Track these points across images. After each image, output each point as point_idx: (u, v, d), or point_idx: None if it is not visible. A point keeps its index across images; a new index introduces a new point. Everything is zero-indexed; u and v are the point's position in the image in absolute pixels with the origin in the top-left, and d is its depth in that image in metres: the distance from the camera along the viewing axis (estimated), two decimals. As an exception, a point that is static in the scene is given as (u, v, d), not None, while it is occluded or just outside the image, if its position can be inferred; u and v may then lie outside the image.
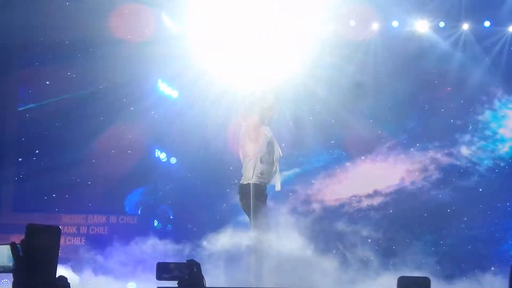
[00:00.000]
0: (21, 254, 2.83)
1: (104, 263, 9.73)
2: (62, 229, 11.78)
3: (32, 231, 2.88)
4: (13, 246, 2.86)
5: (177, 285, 4.06)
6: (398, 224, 13.06)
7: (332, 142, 13.45)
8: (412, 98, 13.46)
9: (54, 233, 2.93)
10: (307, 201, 13.12)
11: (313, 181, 13.29)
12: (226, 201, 12.72)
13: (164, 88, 13.11)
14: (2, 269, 3.06)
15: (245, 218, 9.76)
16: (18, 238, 11.12)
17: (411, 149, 13.44)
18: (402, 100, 13.40)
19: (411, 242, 12.86)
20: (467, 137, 13.46)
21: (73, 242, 12.53)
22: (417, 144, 13.46)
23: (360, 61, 13.37)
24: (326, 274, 9.85)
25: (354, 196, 13.29)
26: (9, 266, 2.99)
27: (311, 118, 13.29)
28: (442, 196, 13.29)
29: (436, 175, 13.37)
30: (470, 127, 13.46)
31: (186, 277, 3.97)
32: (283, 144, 11.93)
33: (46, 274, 2.82)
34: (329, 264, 11.46)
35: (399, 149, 13.43)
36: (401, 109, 13.48)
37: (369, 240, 12.65)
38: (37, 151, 12.57)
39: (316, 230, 12.63)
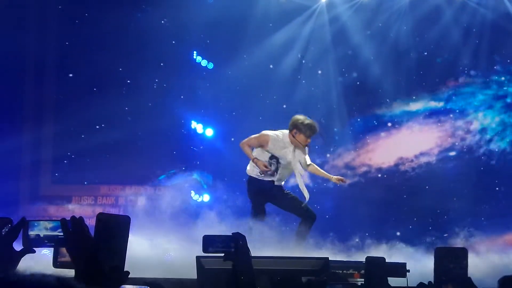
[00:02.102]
0: (70, 229, 2.90)
1: (142, 234, 9.81)
2: (100, 200, 11.87)
3: (102, 220, 2.95)
4: (63, 222, 2.93)
5: (222, 257, 4.09)
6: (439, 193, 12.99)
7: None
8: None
9: (124, 222, 3.00)
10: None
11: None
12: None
13: (200, 59, 13.14)
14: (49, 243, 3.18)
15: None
16: (57, 210, 11.22)
17: (450, 115, 13.33)
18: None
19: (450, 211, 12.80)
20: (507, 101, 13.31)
21: (112, 212, 12.63)
22: (457, 110, 13.34)
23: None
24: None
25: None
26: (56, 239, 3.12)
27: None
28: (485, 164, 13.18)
29: (476, 141, 13.26)
30: None
31: (232, 250, 4.00)
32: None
33: (117, 263, 2.89)
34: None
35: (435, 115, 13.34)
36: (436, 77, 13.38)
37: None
38: (73, 123, 12.68)
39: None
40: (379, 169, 13.29)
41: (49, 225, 3.26)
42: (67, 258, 3.01)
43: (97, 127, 12.62)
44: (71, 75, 12.92)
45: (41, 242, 3.23)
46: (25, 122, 13.09)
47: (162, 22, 12.86)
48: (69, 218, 2.95)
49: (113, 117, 12.49)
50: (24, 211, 11.77)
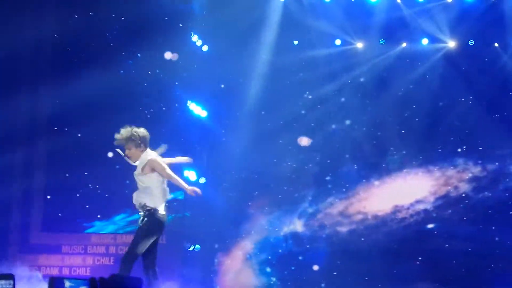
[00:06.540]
0: None
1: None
2: (90, 249, 11.69)
3: (115, 281, 3.11)
4: (92, 281, 3.11)
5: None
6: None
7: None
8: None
9: (137, 283, 3.16)
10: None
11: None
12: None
13: (194, 108, 13.10)
14: None
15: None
16: (46, 258, 10.98)
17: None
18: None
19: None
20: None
21: (102, 262, 12.56)
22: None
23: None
24: None
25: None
26: None
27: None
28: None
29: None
30: None
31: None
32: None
33: None
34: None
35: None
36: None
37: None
38: (66, 174, 12.67)
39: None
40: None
41: (75, 283, 3.47)
42: None
43: (87, 176, 12.50)
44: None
45: None
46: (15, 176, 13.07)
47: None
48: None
49: (99, 163, 12.34)
50: (16, 260, 11.72)
